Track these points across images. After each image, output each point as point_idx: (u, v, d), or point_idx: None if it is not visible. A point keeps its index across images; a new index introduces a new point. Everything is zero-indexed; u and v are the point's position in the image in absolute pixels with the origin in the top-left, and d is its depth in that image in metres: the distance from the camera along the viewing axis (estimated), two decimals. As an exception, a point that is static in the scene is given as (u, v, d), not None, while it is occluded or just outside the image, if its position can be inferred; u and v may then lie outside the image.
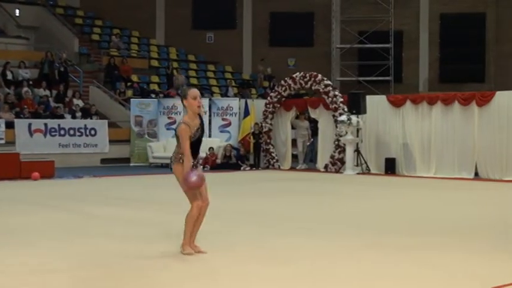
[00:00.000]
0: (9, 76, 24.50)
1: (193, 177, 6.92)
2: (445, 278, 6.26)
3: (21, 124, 21.48)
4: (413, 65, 32.22)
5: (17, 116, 22.11)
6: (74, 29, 29.89)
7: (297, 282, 6.15)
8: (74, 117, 23.44)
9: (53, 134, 22.04)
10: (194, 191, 7.11)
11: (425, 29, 32.27)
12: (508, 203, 12.98)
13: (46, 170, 17.39)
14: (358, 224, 9.90)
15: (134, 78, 27.90)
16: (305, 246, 7.95)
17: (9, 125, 21.34)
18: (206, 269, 6.71)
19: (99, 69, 27.95)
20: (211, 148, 21.74)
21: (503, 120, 17.37)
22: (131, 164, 23.32)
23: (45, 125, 22.01)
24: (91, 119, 23.66)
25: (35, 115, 22.54)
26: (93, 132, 22.90)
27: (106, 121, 23.90)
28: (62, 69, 25.75)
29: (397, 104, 19.48)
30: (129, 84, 27.08)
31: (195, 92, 7.25)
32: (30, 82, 24.60)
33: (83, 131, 22.71)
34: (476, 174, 17.86)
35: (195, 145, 7.18)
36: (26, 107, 22.78)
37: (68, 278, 6.27)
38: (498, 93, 17.90)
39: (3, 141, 20.95)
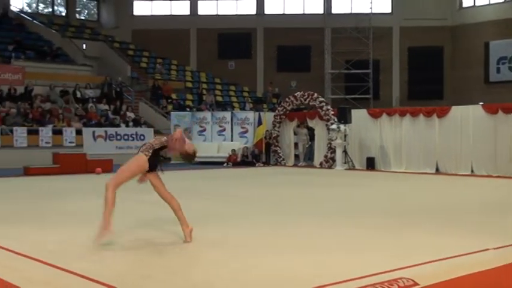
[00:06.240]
0: (79, 95, 24.62)
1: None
2: (408, 250, 6.23)
3: (87, 131, 21.56)
4: (388, 86, 32.23)
5: (84, 125, 22.27)
6: (127, 59, 30.04)
7: (300, 252, 6.13)
8: (127, 126, 23.52)
9: (111, 138, 22.07)
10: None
11: (396, 58, 32.32)
12: (459, 191, 12.91)
13: (106, 166, 17.42)
14: (347, 207, 9.87)
15: (173, 96, 27.95)
16: (304, 223, 7.96)
17: (78, 132, 21.46)
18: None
19: (146, 90, 28.05)
20: (233, 150, 21.76)
21: (458, 128, 17.26)
22: (171, 162, 23.29)
23: (106, 132, 22.06)
24: (140, 127, 23.72)
25: (98, 124, 22.67)
26: (142, 137, 22.86)
27: (152, 129, 23.79)
28: (118, 89, 25.90)
29: (375, 116, 19.43)
30: (169, 100, 27.16)
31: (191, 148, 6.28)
32: (94, 99, 24.74)
33: (134, 136, 22.73)
34: (436, 169, 17.80)
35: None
36: (91, 118, 22.96)
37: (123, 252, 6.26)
38: (453, 107, 17.80)
39: (73, 144, 21.09)
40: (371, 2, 31.86)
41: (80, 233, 7.16)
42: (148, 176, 6.37)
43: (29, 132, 20.49)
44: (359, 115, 19.79)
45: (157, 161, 6.33)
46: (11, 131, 20.26)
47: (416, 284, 4.67)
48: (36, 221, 8.21)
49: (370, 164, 19.11)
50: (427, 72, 31.37)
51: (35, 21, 30.21)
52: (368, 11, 31.75)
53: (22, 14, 31.08)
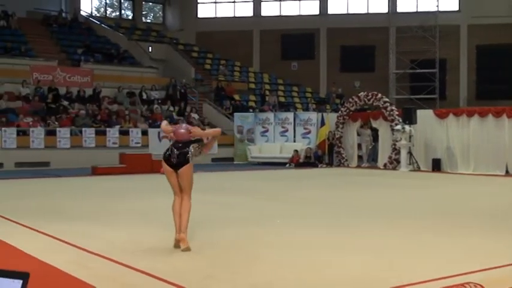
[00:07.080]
0: (144, 96, 25.18)
1: (181, 130, 6.49)
2: (465, 253, 6.07)
3: (152, 132, 21.87)
4: (455, 86, 31.45)
5: (150, 126, 22.69)
6: (191, 61, 30.46)
7: (365, 253, 6.06)
8: (191, 127, 23.74)
9: (176, 139, 22.37)
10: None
11: (464, 57, 31.48)
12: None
13: (171, 166, 17.70)
14: (413, 208, 9.69)
15: (236, 97, 28.12)
16: (368, 224, 7.86)
17: (144, 133, 21.92)
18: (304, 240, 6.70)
19: (210, 91, 28.33)
20: (295, 150, 21.74)
21: (529, 129, 16.77)
22: (234, 162, 23.54)
23: (171, 132, 22.37)
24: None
25: (163, 125, 23.04)
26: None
27: (215, 130, 24.15)
28: (182, 91, 26.25)
29: (441, 116, 19.00)
30: (232, 101, 27.34)
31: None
32: (159, 101, 25.20)
33: (198, 137, 22.98)
34: (506, 171, 17.24)
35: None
36: (156, 119, 23.37)
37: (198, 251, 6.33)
38: (525, 107, 17.28)
39: (139, 145, 21.56)
40: (437, 0, 31.18)
41: (146, 231, 7.33)
42: (177, 173, 6.32)
43: (97, 133, 21.12)
44: (424, 115, 19.40)
45: (170, 155, 6.41)
46: (80, 132, 20.93)
47: (485, 289, 4.54)
48: (106, 219, 8.44)
49: (436, 166, 18.70)
50: (497, 71, 30.41)
51: (103, 25, 31.10)
52: (434, 9, 31.08)
53: (91, 19, 32.07)
